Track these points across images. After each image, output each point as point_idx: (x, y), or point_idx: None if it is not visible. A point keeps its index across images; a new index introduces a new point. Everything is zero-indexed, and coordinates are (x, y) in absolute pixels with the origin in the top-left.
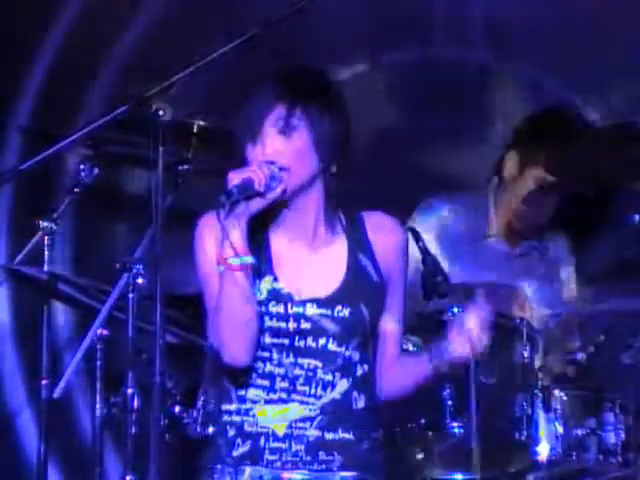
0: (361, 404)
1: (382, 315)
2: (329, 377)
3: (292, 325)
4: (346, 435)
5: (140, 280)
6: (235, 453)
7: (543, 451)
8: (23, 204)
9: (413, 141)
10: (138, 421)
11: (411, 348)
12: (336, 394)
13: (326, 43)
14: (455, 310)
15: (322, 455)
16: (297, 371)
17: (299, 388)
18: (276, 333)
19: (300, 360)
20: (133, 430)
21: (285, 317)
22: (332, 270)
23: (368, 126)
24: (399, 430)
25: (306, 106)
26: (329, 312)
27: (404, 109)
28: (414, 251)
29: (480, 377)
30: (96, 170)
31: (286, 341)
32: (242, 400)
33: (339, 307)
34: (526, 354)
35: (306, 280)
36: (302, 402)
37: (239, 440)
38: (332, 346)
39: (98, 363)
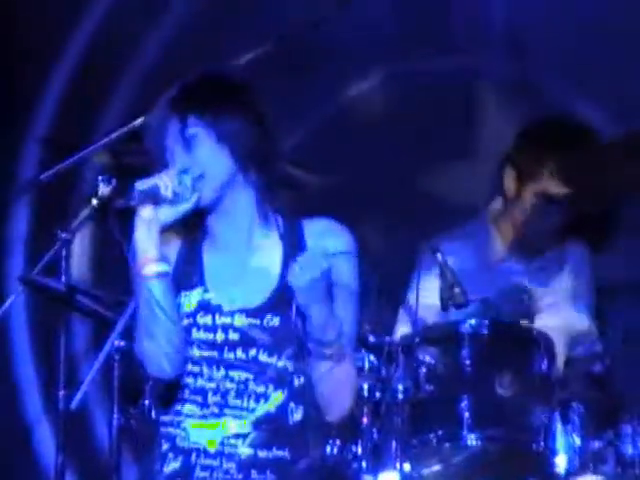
0: (298, 417)
1: None
2: (261, 389)
3: (220, 336)
4: (280, 453)
5: None
6: (166, 469)
7: (561, 463)
8: (41, 215)
9: (422, 157)
10: (155, 432)
11: (428, 360)
12: (270, 407)
13: (342, 54)
14: (473, 322)
15: (254, 474)
16: (228, 384)
17: (231, 402)
18: (204, 345)
19: (231, 373)
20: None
21: (213, 328)
22: (264, 279)
23: (380, 137)
24: (416, 441)
25: (199, 114)
26: (258, 322)
27: (416, 120)
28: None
29: (498, 389)
30: (114, 181)
31: (215, 354)
32: (177, 413)
33: (269, 316)
34: (544, 366)
35: (237, 290)
36: (235, 416)
37: (171, 455)
38: (263, 357)
39: (115, 374)
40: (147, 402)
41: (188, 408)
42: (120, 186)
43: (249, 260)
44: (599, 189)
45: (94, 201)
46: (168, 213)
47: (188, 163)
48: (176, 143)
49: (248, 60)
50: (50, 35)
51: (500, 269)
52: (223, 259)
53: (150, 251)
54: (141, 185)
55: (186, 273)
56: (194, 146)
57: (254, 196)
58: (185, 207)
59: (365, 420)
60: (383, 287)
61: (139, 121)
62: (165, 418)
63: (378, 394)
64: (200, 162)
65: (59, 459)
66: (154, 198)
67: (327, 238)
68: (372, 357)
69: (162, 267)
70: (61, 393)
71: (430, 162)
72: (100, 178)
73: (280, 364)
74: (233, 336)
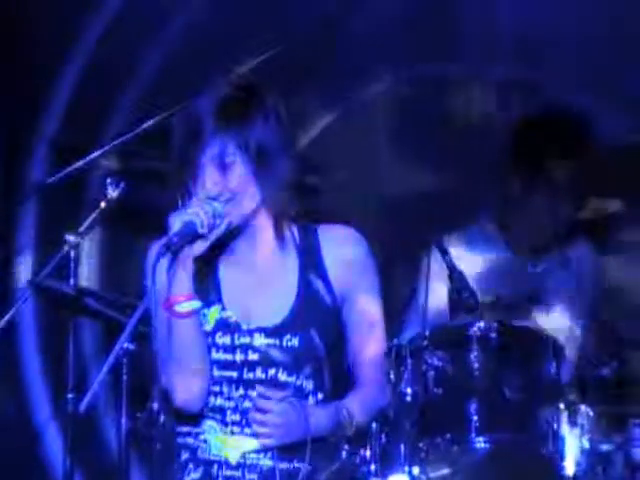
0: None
1: (341, 338)
2: None
3: (239, 357)
4: (301, 465)
5: None
6: (187, 479)
7: (569, 467)
8: (49, 218)
9: (426, 160)
10: (164, 436)
11: (437, 363)
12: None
13: (351, 59)
14: (482, 325)
15: None
16: (247, 403)
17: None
18: (224, 366)
19: (250, 392)
20: (158, 445)
21: (232, 349)
22: (282, 296)
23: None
24: (425, 444)
25: (241, 140)
26: (277, 342)
27: (422, 126)
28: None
29: (507, 392)
30: (122, 184)
31: (234, 374)
32: (196, 426)
33: (288, 336)
34: (552, 369)
35: (255, 307)
36: (254, 434)
37: (191, 465)
38: (282, 376)
39: (124, 377)
40: (155, 406)
41: (208, 424)
42: (128, 189)
43: (265, 275)
44: (602, 189)
45: (102, 204)
46: (202, 246)
47: (221, 186)
48: (212, 164)
49: (256, 64)
50: (58, 39)
51: (507, 271)
52: (239, 275)
53: (185, 289)
54: (177, 224)
55: (202, 290)
56: (231, 169)
57: (273, 212)
58: (217, 234)
59: (374, 424)
60: (389, 290)
61: (147, 124)
62: (184, 429)
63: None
64: (234, 187)
65: (67, 462)
66: (189, 236)
67: (345, 246)
68: None
69: (196, 304)
70: (70, 396)
71: (432, 165)
72: (108, 181)
73: (299, 383)
74: (252, 357)
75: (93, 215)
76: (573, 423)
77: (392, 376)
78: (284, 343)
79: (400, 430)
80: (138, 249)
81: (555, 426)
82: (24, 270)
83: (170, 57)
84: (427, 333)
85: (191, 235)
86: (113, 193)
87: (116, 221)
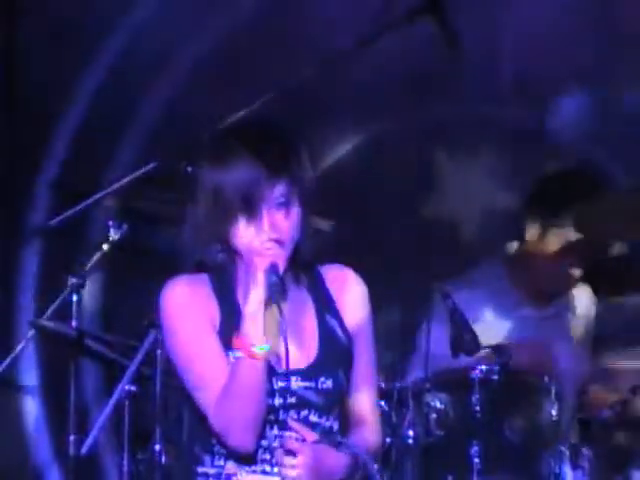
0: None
1: (353, 374)
2: None
3: (278, 401)
4: None
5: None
6: None
7: None
8: (52, 260)
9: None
10: (165, 477)
11: (439, 405)
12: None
13: (354, 100)
14: (484, 368)
15: None
16: (278, 443)
17: (280, 460)
18: None
19: (282, 432)
20: None
21: (271, 393)
22: (307, 337)
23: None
24: None
25: (301, 180)
26: (313, 384)
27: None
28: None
29: (508, 435)
30: (125, 226)
31: (271, 416)
32: (220, 467)
33: (322, 378)
34: (554, 412)
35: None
36: (282, 474)
37: None
38: (313, 417)
39: (126, 419)
40: (157, 447)
41: (234, 464)
42: (130, 231)
43: (289, 317)
44: (615, 238)
45: (105, 246)
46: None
47: (281, 229)
48: (272, 208)
49: (258, 106)
50: (60, 81)
51: (514, 316)
52: (266, 318)
53: (261, 331)
54: (264, 265)
55: (233, 332)
56: (291, 211)
57: (295, 255)
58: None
59: (376, 465)
60: (392, 333)
61: (149, 167)
62: (208, 470)
63: (388, 439)
64: (291, 227)
65: None
66: (280, 285)
67: (351, 286)
68: (382, 403)
69: (268, 347)
70: (71, 438)
71: (435, 207)
72: (110, 223)
73: (327, 424)
74: (291, 400)
75: (95, 257)
76: (574, 465)
77: (394, 418)
78: (319, 385)
79: (402, 472)
80: (140, 291)
81: (557, 468)
82: (26, 312)
83: (171, 102)
84: (429, 375)
85: (278, 276)
86: (115, 235)
87: (118, 263)
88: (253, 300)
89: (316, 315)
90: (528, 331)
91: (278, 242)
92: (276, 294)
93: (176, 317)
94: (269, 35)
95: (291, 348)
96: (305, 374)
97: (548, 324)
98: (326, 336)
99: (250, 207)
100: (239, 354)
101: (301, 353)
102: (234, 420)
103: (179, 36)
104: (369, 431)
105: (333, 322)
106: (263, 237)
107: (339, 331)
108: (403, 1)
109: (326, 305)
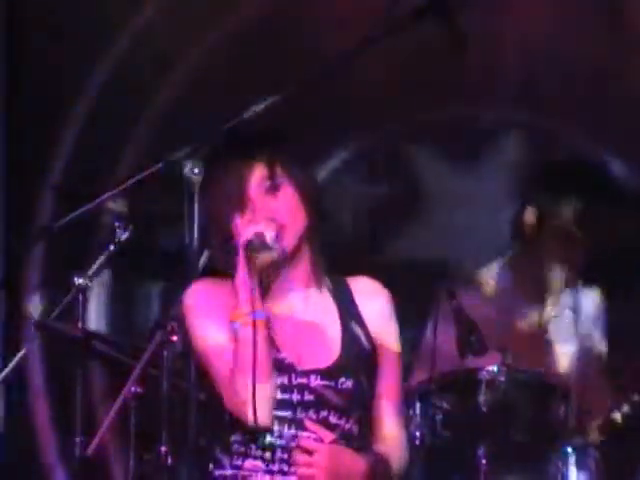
0: None
1: (376, 385)
2: None
3: (296, 397)
4: None
5: (174, 337)
6: None
7: None
8: (58, 261)
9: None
10: (171, 479)
11: (445, 406)
12: None
13: (357, 105)
14: (490, 369)
15: None
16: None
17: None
18: (279, 405)
19: (300, 432)
20: None
21: (289, 389)
22: (329, 339)
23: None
24: None
25: (284, 160)
26: (332, 383)
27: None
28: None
29: (515, 436)
30: (131, 227)
31: (289, 414)
32: (237, 469)
33: (342, 378)
34: (561, 412)
35: (305, 348)
36: (298, 475)
37: None
38: (333, 419)
39: (132, 420)
40: (163, 449)
41: (252, 464)
42: (137, 232)
43: (310, 318)
44: (616, 235)
45: (111, 247)
46: (268, 258)
47: (273, 211)
48: (260, 191)
49: (263, 108)
50: (63, 83)
51: (516, 316)
52: (284, 316)
53: (258, 298)
54: (250, 233)
55: None
56: (280, 194)
57: (311, 253)
58: (275, 257)
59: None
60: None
61: (154, 168)
62: (225, 472)
63: None
64: (284, 210)
65: None
66: (262, 246)
67: (378, 297)
68: None
69: (261, 315)
70: (78, 439)
71: (439, 209)
72: (117, 224)
73: (347, 427)
74: (309, 397)
75: (102, 258)
76: (581, 467)
77: None
78: (339, 385)
79: (408, 473)
80: (147, 292)
81: (563, 469)
82: (32, 314)
83: (175, 101)
84: (436, 376)
85: (264, 245)
86: (122, 236)
87: (125, 264)
88: (240, 270)
89: (340, 320)
90: (529, 331)
91: (273, 222)
92: (251, 250)
93: (196, 315)
94: (270, 36)
95: (312, 347)
96: (325, 373)
97: (551, 324)
98: (349, 340)
99: (236, 195)
100: (236, 324)
101: (322, 353)
102: (242, 392)
103: (182, 36)
104: (392, 445)
105: (358, 330)
106: (251, 223)
107: (363, 339)
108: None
109: (351, 314)
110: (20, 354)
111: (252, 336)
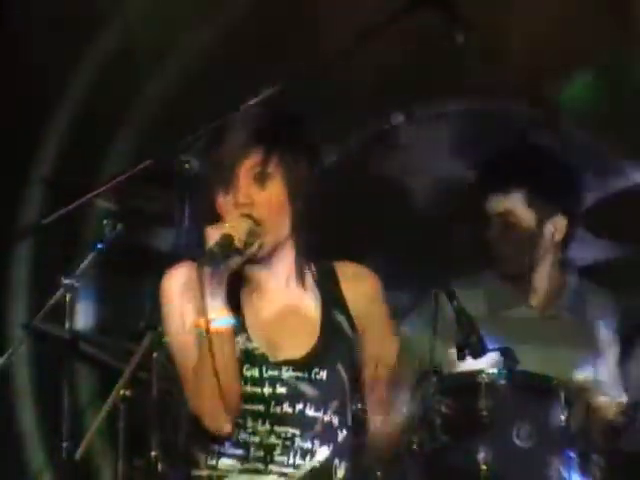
0: (341, 474)
1: (363, 367)
2: (308, 445)
3: (267, 390)
4: None
5: (164, 339)
6: None
7: None
8: (45, 260)
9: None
10: None
11: (444, 410)
12: (315, 463)
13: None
14: (490, 372)
15: None
16: (273, 439)
17: (277, 458)
18: (250, 398)
19: (277, 428)
20: None
21: (260, 382)
22: (306, 329)
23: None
24: None
25: (283, 154)
26: (306, 375)
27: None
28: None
29: (516, 440)
30: (120, 226)
31: (261, 407)
32: (213, 469)
33: (316, 369)
34: (563, 417)
35: (280, 340)
36: (280, 474)
37: None
38: (310, 411)
39: (121, 424)
40: (153, 454)
41: (227, 463)
42: (126, 231)
43: (289, 308)
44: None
45: (99, 246)
46: (236, 262)
47: (256, 203)
48: (248, 175)
49: (260, 100)
50: (53, 77)
51: (513, 317)
52: (262, 306)
53: (222, 304)
54: (215, 236)
55: None
56: (267, 186)
57: (295, 244)
58: (249, 254)
59: (379, 472)
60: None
61: (146, 163)
62: (201, 472)
63: None
64: (267, 203)
65: None
66: (227, 249)
67: (365, 282)
68: None
69: (233, 320)
70: (65, 443)
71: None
72: (105, 222)
73: (326, 419)
74: (281, 390)
75: (90, 257)
76: (584, 472)
77: None
78: (312, 376)
79: (407, 478)
80: (136, 292)
81: (566, 475)
82: (18, 314)
83: (168, 95)
84: (435, 379)
85: (229, 247)
86: (110, 235)
87: (113, 263)
88: (205, 274)
89: (321, 309)
90: (528, 332)
91: (249, 218)
92: (207, 259)
93: (167, 304)
94: (268, 31)
95: (286, 339)
96: (299, 364)
97: (549, 326)
98: (329, 330)
99: (223, 173)
100: (201, 331)
101: (296, 344)
102: (203, 399)
103: (175, 32)
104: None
105: (340, 317)
106: (232, 207)
107: (345, 326)
108: None
109: (334, 301)
110: (5, 356)
111: (209, 347)
